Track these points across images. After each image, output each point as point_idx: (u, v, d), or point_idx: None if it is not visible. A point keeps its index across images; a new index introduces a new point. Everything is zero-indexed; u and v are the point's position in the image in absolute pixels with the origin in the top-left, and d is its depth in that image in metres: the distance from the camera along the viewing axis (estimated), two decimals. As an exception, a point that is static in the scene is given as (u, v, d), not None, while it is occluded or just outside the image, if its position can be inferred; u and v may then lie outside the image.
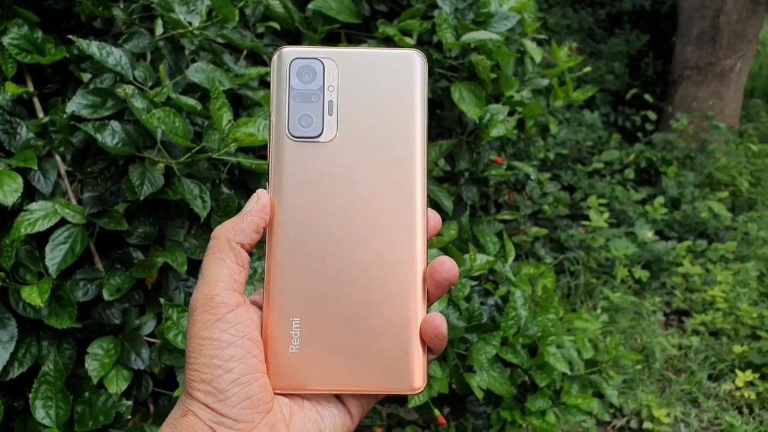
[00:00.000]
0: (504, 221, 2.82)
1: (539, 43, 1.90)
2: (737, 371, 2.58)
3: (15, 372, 0.97)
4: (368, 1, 1.43)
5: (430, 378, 1.26)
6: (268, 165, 0.52)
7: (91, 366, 0.98)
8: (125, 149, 0.95)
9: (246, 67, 1.21)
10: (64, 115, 1.00)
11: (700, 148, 4.36)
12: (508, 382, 1.37)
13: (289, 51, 0.52)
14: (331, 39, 1.34)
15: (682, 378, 2.64)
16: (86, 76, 1.06)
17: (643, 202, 3.76)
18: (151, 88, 1.03)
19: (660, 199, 3.60)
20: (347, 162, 0.51)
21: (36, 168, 0.98)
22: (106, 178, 0.99)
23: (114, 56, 0.98)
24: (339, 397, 0.52)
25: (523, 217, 3.32)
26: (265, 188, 0.52)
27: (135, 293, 1.05)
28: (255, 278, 0.98)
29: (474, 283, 1.41)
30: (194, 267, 1.07)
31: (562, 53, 1.88)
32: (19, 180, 0.93)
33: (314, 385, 0.50)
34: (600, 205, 3.49)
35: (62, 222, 0.98)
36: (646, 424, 2.36)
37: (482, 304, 1.44)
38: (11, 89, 0.99)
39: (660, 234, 3.54)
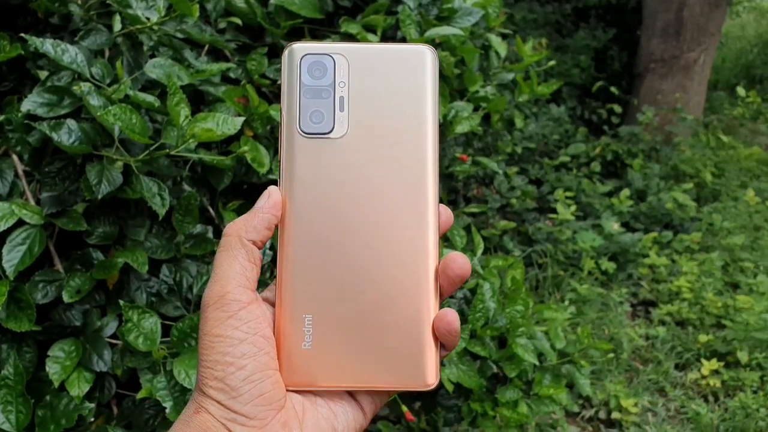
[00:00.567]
0: (472, 215, 2.83)
1: (505, 37, 1.91)
2: (703, 360, 2.63)
3: (-27, 377, 0.95)
4: (331, -4, 1.42)
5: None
6: (279, 161, 0.51)
7: (52, 369, 0.96)
8: (82, 148, 0.93)
9: (207, 63, 1.19)
10: (20, 114, 0.97)
11: (665, 140, 4.42)
12: (477, 374, 1.38)
13: (299, 47, 0.52)
14: (293, 34, 1.33)
15: (650, 368, 2.68)
16: (43, 74, 1.04)
17: (610, 194, 3.80)
18: (110, 85, 1.01)
19: (626, 192, 3.64)
20: (359, 158, 0.51)
21: (-9, 168, 0.96)
22: (64, 177, 0.97)
23: (69, 54, 0.96)
24: (352, 394, 0.52)
25: (491, 210, 3.33)
26: (276, 184, 0.52)
27: (96, 294, 1.04)
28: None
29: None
30: (156, 267, 1.06)
31: (527, 47, 1.89)
32: (-26, 180, 0.91)
33: (327, 381, 0.50)
34: (567, 198, 3.52)
35: (20, 223, 0.96)
36: (615, 414, 2.39)
37: (451, 297, 1.45)
38: (-36, 88, 0.97)
39: (626, 226, 3.58)
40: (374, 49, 0.53)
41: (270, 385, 0.48)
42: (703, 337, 2.72)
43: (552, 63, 1.99)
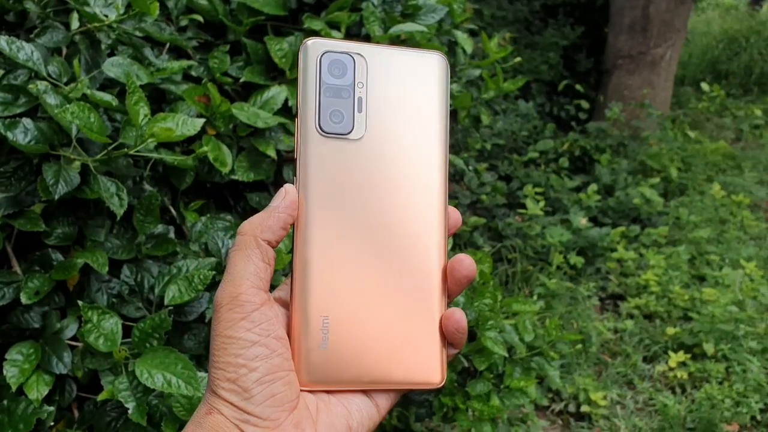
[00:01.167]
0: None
1: (474, 33, 1.92)
2: (670, 352, 2.66)
3: (-72, 382, 0.94)
4: (295, -8, 1.41)
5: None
6: (295, 158, 0.51)
7: (10, 372, 0.94)
8: (38, 147, 0.92)
9: (168, 61, 1.18)
10: (-26, 113, 0.96)
11: (632, 135, 4.47)
12: (447, 369, 1.38)
13: (318, 43, 0.52)
14: (256, 32, 1.32)
15: (618, 361, 2.71)
16: (-1, 72, 1.02)
17: (578, 189, 3.84)
18: (67, 83, 1.00)
19: (594, 187, 3.68)
20: (375, 160, 0.51)
21: (-55, 169, 0.94)
22: (21, 177, 0.96)
23: (25, 51, 0.95)
24: (365, 391, 0.52)
25: (461, 206, 3.35)
26: (291, 182, 0.51)
27: (55, 296, 1.02)
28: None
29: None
30: (117, 267, 1.05)
31: (493, 44, 1.89)
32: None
33: (343, 382, 0.51)
34: (536, 193, 3.55)
35: (-25, 224, 0.94)
36: (584, 408, 2.42)
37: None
38: None
39: (594, 220, 3.62)
40: (391, 52, 0.53)
41: (282, 386, 0.48)
42: (670, 330, 2.76)
43: (518, 59, 2.00)
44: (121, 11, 1.02)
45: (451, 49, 1.75)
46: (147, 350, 0.93)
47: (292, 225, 0.51)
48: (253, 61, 1.27)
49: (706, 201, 3.89)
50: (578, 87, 4.72)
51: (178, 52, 1.29)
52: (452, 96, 1.63)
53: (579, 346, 2.34)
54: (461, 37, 1.77)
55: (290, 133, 1.24)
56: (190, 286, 0.97)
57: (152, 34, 1.11)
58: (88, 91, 0.95)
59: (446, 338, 0.53)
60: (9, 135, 0.89)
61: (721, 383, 2.47)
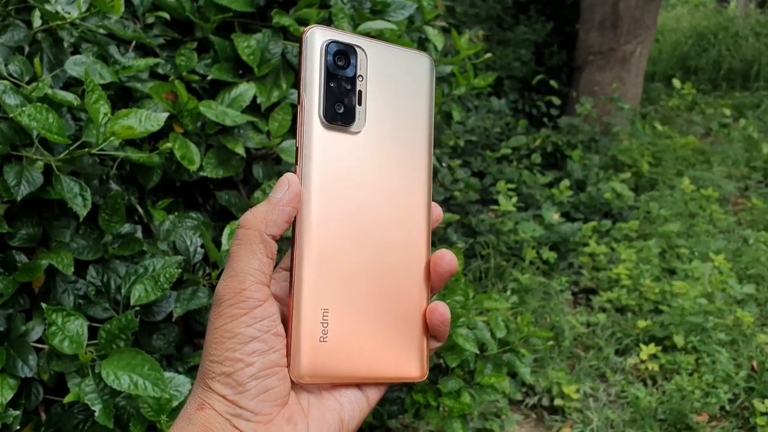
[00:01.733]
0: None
1: (447, 31, 1.92)
2: (641, 345, 2.69)
3: None
4: (263, -11, 1.40)
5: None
6: (297, 147, 0.51)
7: (-26, 376, 0.93)
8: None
9: (135, 59, 1.17)
10: (-67, 113, 0.94)
11: (603, 131, 4.51)
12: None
13: (322, 32, 0.51)
14: (224, 29, 1.31)
15: (591, 354, 2.73)
16: (-42, 71, 1.00)
17: (550, 185, 3.86)
18: (29, 83, 0.98)
19: (566, 182, 3.71)
20: (372, 154, 0.52)
21: None
22: (-18, 178, 0.94)
23: (-16, 50, 0.93)
24: (359, 384, 0.52)
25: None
26: (291, 172, 0.51)
27: (20, 298, 1.01)
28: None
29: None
30: (83, 268, 1.03)
31: (463, 40, 1.90)
32: None
33: (340, 375, 0.51)
34: (509, 189, 3.57)
35: (-64, 226, 0.92)
36: (557, 401, 2.44)
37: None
38: None
39: (566, 216, 3.65)
40: (387, 48, 0.54)
41: (276, 381, 0.48)
42: (641, 323, 2.79)
43: (488, 55, 2.00)
44: (83, 9, 1.00)
45: (421, 46, 1.75)
46: (114, 352, 0.92)
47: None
48: (220, 58, 1.26)
49: (676, 195, 3.94)
50: (552, 83, 4.75)
51: (145, 50, 1.28)
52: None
53: (550, 342, 2.36)
54: (432, 33, 1.78)
55: (259, 131, 1.23)
56: (156, 286, 0.96)
57: (115, 31, 1.10)
58: (50, 91, 0.93)
59: (430, 332, 0.54)
60: (-31, 135, 0.88)
61: (691, 375, 2.51)
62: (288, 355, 0.49)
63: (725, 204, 4.04)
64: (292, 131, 1.26)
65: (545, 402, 2.47)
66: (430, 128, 0.54)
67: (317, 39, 0.51)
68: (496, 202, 3.47)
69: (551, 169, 4.16)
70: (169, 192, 1.22)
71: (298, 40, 1.34)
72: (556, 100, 4.70)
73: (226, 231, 1.06)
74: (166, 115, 0.92)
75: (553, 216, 3.40)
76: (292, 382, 0.49)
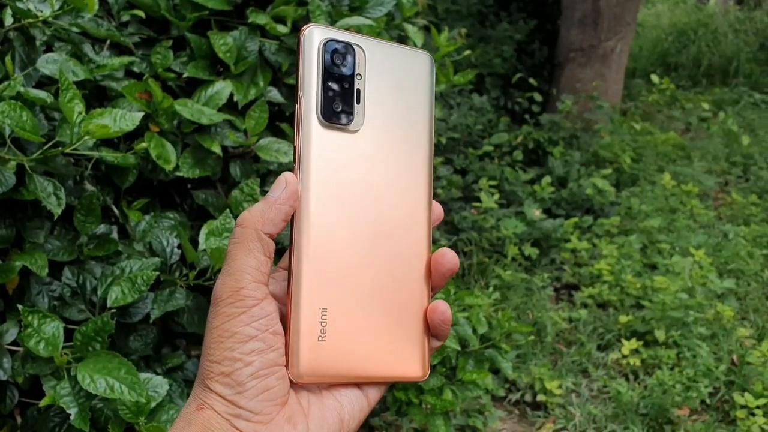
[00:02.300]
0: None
1: (428, 29, 1.91)
2: (623, 340, 2.71)
3: None
4: (240, -13, 1.39)
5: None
6: (294, 146, 0.50)
7: (-53, 380, 0.92)
8: (-29, 148, 0.89)
9: (109, 57, 1.15)
10: None
11: (584, 127, 4.54)
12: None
13: (320, 30, 0.51)
14: (200, 26, 1.30)
15: (573, 350, 2.75)
16: (-72, 71, 0.98)
17: (532, 182, 3.88)
18: (1, 81, 0.97)
19: (547, 179, 3.72)
20: (370, 153, 0.52)
21: None
22: (-47, 179, 0.93)
23: (-46, 48, 0.92)
24: (359, 384, 0.52)
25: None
26: (290, 171, 0.50)
27: (-7, 300, 0.99)
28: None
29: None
30: (58, 269, 1.02)
31: (443, 37, 1.90)
32: None
33: (340, 374, 0.50)
34: (491, 186, 3.58)
35: None
36: (540, 397, 2.45)
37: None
38: None
39: (548, 212, 3.66)
40: (385, 46, 0.54)
41: (275, 380, 0.47)
42: (623, 318, 2.81)
43: (467, 53, 2.00)
44: (56, 7, 0.99)
45: (401, 43, 1.75)
46: (89, 355, 0.91)
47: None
48: (197, 56, 1.25)
49: (657, 191, 3.97)
50: (531, 80, 4.76)
51: (120, 49, 1.27)
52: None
53: (532, 337, 2.37)
54: (412, 30, 1.77)
55: (236, 129, 1.22)
56: (134, 287, 0.95)
57: (89, 30, 1.08)
58: (22, 89, 0.92)
59: (431, 331, 0.53)
60: (-62, 135, 0.86)
61: (672, 369, 2.53)
62: (286, 354, 0.49)
63: (705, 199, 4.07)
64: (270, 129, 1.26)
65: (528, 398, 2.48)
66: (431, 127, 0.54)
67: (315, 37, 0.51)
68: (479, 199, 3.48)
69: (533, 165, 4.18)
70: (146, 191, 1.21)
71: (277, 38, 1.34)
72: (538, 97, 4.72)
73: (204, 230, 1.05)
74: (141, 114, 0.91)
75: (535, 212, 3.41)
76: (290, 381, 0.49)
